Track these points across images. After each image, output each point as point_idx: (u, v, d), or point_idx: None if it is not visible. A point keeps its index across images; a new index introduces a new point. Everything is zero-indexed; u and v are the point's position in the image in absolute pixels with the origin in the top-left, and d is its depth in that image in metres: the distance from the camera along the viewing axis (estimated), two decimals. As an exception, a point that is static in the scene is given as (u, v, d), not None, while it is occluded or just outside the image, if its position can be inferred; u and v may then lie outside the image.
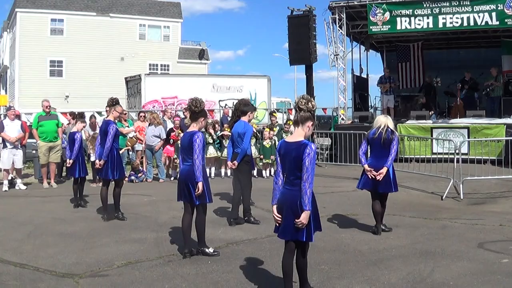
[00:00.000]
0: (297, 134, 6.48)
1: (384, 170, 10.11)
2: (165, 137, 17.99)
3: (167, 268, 8.11)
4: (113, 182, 11.90)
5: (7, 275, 7.84)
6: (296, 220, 6.22)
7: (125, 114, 18.23)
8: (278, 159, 6.55)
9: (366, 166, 10.33)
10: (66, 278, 7.69)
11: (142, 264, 8.33)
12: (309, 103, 6.49)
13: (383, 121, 10.38)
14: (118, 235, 10.29)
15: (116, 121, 13.22)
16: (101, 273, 7.93)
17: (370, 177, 10.26)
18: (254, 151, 17.36)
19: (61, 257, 8.77)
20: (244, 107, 11.51)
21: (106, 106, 12.89)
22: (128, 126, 17.82)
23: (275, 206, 6.54)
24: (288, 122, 19.42)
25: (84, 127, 15.02)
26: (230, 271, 7.91)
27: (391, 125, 10.34)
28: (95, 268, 8.16)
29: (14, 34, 51.28)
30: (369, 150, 10.57)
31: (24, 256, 8.81)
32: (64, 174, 18.15)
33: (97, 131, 14.76)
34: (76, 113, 17.62)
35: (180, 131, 17.47)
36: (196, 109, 8.65)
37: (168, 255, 8.83)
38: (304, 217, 6.20)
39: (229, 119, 17.17)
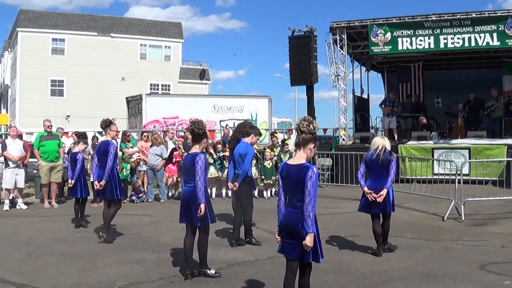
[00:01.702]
0: (299, 157, 6.49)
1: (384, 192, 10.09)
2: (166, 156, 18.01)
3: (168, 290, 8.08)
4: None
5: (8, 295, 7.81)
6: (304, 243, 6.23)
7: (129, 135, 18.21)
8: (280, 181, 6.56)
9: (365, 189, 10.32)
10: (67, 299, 7.67)
11: (143, 285, 8.31)
12: (311, 125, 6.50)
13: (380, 142, 10.37)
14: (119, 255, 10.27)
15: (119, 141, 13.15)
16: (102, 294, 7.91)
17: (370, 200, 10.26)
18: (254, 172, 17.36)
19: (62, 277, 8.75)
20: (249, 129, 11.48)
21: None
22: (131, 147, 17.80)
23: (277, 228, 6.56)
24: (286, 142, 19.44)
25: (85, 147, 15.04)
26: (232, 293, 7.88)
27: (388, 146, 10.32)
28: (96, 289, 8.13)
29: (15, 53, 51.53)
30: (368, 172, 10.56)
31: (25, 277, 8.79)
32: (65, 194, 18.10)
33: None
34: (79, 133, 17.59)
35: (184, 151, 17.47)
36: (199, 131, 8.68)
37: (170, 276, 8.81)
38: (309, 240, 6.21)
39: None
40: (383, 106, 25.48)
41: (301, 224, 6.24)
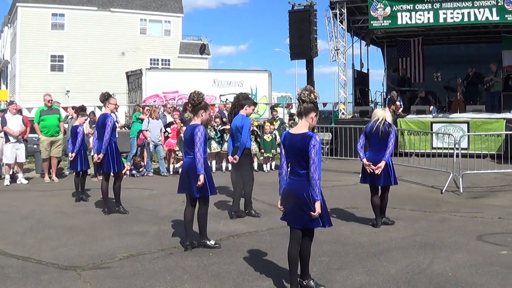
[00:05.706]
0: (301, 126, 6.54)
1: (382, 164, 10.12)
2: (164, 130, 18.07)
3: (168, 260, 8.16)
4: (113, 176, 11.95)
5: (10, 267, 7.88)
6: (312, 213, 6.32)
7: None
8: (283, 150, 6.62)
9: (364, 161, 10.35)
10: (68, 271, 7.73)
11: (144, 257, 8.38)
12: (312, 94, 6.54)
13: (381, 114, 10.39)
14: (119, 228, 10.36)
15: (118, 114, 13.11)
16: (103, 266, 7.98)
17: (369, 171, 10.31)
18: (254, 146, 17.44)
19: (63, 250, 8.82)
20: (243, 101, 11.50)
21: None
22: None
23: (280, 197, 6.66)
24: (294, 117, 19.54)
25: (85, 120, 15.05)
26: (231, 263, 7.97)
27: (388, 118, 10.32)
28: (97, 260, 8.21)
29: (15, 28, 51.33)
30: (367, 144, 10.61)
31: (27, 249, 8.86)
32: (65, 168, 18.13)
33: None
34: (78, 107, 17.60)
35: (182, 125, 17.48)
36: (194, 102, 8.71)
37: (170, 248, 8.89)
38: (318, 207, 6.31)
39: (226, 113, 17.21)
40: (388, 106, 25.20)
41: (307, 192, 6.32)
